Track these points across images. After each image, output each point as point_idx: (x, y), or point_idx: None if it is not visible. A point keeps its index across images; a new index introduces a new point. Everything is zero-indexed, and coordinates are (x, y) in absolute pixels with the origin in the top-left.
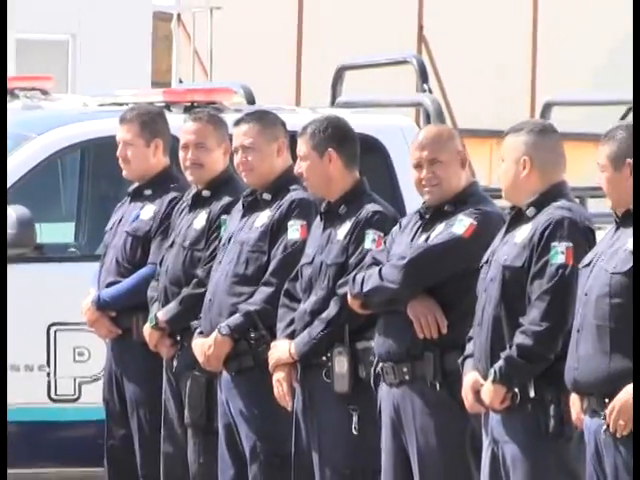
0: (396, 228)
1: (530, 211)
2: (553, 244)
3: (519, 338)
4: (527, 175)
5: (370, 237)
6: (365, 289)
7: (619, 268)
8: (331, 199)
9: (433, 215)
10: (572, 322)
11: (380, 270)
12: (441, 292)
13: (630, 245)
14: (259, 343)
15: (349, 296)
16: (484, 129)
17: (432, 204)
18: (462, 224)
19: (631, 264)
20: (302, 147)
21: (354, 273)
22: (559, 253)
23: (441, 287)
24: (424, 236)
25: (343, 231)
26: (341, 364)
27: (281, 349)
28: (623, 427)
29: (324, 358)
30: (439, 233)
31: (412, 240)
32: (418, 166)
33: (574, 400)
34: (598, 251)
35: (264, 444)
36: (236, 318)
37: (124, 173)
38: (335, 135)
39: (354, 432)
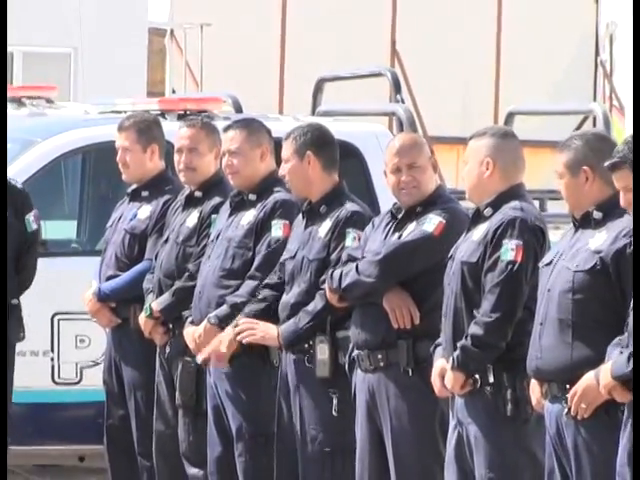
0: (369, 227)
1: (487, 211)
2: (504, 242)
3: (472, 328)
4: (490, 175)
5: (351, 235)
6: (343, 284)
7: (582, 266)
8: (312, 199)
9: (405, 215)
10: (521, 313)
11: (357, 266)
12: (414, 285)
13: (592, 245)
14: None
15: (327, 291)
16: (452, 136)
17: (408, 205)
18: (432, 222)
19: (593, 263)
20: (285, 151)
21: (332, 270)
22: (509, 250)
23: (414, 281)
24: (397, 234)
25: (324, 229)
26: (322, 351)
27: (270, 333)
28: (584, 410)
29: (307, 345)
30: (411, 231)
31: (385, 238)
32: (397, 171)
33: (534, 386)
34: (559, 251)
35: (249, 424)
36: (223, 309)
37: (124, 177)
38: (314, 140)
39: (334, 414)
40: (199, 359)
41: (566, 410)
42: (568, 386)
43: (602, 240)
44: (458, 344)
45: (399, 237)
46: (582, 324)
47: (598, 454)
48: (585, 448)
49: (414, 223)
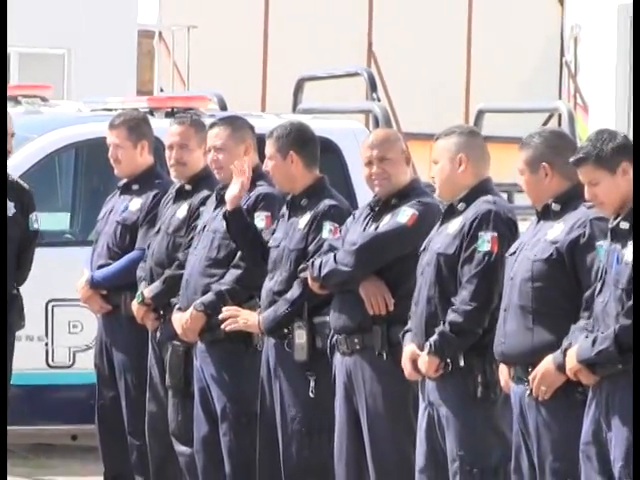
0: (350, 219)
1: (461, 206)
2: (480, 234)
3: (451, 316)
4: (463, 171)
5: (327, 227)
6: (322, 273)
7: (539, 256)
8: (294, 193)
9: (381, 207)
10: (497, 301)
11: (335, 255)
12: (388, 274)
13: (550, 236)
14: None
15: (309, 279)
16: (425, 133)
17: (382, 196)
18: (406, 214)
19: (549, 252)
20: (269, 149)
21: (313, 259)
22: (485, 242)
23: (388, 269)
24: (374, 225)
25: (304, 221)
26: (300, 336)
27: (251, 320)
28: (544, 392)
29: (286, 331)
30: (386, 222)
31: (364, 229)
32: (369, 163)
33: (502, 369)
34: (522, 241)
35: (233, 405)
36: (209, 296)
37: (116, 172)
38: (297, 140)
39: (311, 395)
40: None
41: (528, 391)
42: (530, 369)
43: (559, 231)
44: (436, 330)
45: (376, 228)
46: (541, 310)
47: (557, 433)
48: (545, 427)
49: (390, 215)
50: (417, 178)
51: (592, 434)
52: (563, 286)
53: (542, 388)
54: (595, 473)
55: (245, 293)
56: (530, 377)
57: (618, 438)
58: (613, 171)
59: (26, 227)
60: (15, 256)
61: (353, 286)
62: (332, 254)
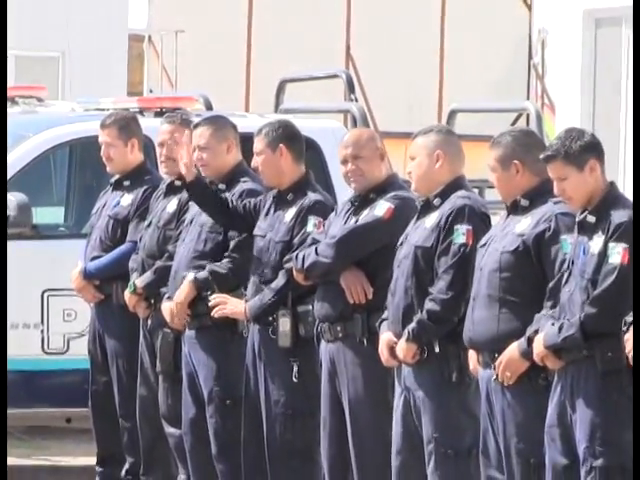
0: (332, 214)
1: (436, 201)
2: (456, 227)
3: (429, 305)
4: (440, 167)
5: (312, 222)
6: (305, 264)
7: (507, 248)
8: (281, 188)
9: (360, 202)
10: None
11: (316, 248)
12: (367, 265)
13: (517, 229)
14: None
15: (294, 271)
16: (399, 131)
17: (360, 191)
18: (382, 207)
19: (516, 245)
20: (258, 145)
21: (297, 252)
22: (461, 234)
23: (367, 261)
24: (354, 219)
25: (289, 215)
26: (284, 324)
27: (238, 308)
28: (509, 378)
29: (270, 318)
30: (365, 216)
31: (345, 223)
32: (345, 161)
33: (471, 355)
34: (492, 234)
35: (219, 389)
36: (204, 273)
37: (108, 169)
38: (286, 134)
39: (294, 380)
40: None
41: (494, 376)
42: (496, 354)
43: (526, 225)
44: (414, 318)
45: (356, 222)
46: (507, 299)
47: (521, 416)
48: (510, 410)
49: (368, 208)
50: (395, 174)
51: (557, 417)
52: (528, 277)
53: (507, 374)
54: (559, 454)
55: (234, 281)
56: (496, 363)
57: (582, 420)
58: (581, 168)
59: None
60: None
61: (334, 277)
62: (314, 247)
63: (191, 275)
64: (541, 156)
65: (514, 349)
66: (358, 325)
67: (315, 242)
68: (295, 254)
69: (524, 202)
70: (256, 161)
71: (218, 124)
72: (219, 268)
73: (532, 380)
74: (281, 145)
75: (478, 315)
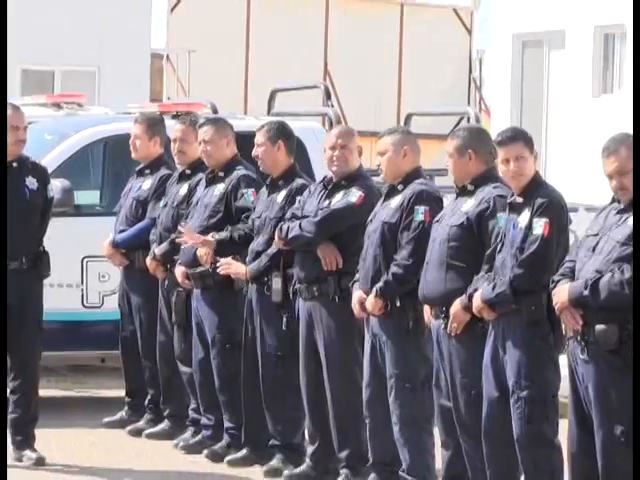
0: (306, 193)
1: (400, 187)
2: (416, 207)
3: (394, 269)
4: (405, 159)
5: (299, 202)
6: (289, 236)
7: (454, 222)
8: (274, 175)
9: (333, 187)
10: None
11: (300, 224)
12: (339, 239)
13: (464, 208)
14: (216, 269)
15: (276, 238)
16: (366, 130)
17: (337, 176)
18: (354, 195)
19: (462, 220)
20: (260, 138)
21: (281, 224)
22: (420, 213)
23: (340, 235)
24: (327, 201)
25: (281, 196)
26: (277, 283)
27: (240, 269)
28: (456, 328)
29: (265, 279)
30: (339, 200)
31: (318, 203)
32: (333, 147)
33: (426, 308)
34: (444, 212)
35: (220, 335)
36: (223, 233)
37: (132, 155)
38: (284, 131)
39: (284, 328)
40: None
41: (443, 325)
42: (444, 308)
43: (471, 204)
44: (382, 279)
45: (329, 204)
46: (454, 264)
47: (464, 356)
48: (455, 352)
49: (341, 193)
50: (362, 165)
51: (491, 358)
52: (470, 246)
53: (454, 325)
54: (493, 387)
55: (238, 248)
56: (443, 315)
57: (511, 360)
58: (531, 153)
59: (45, 196)
60: (40, 218)
61: (312, 248)
62: (298, 222)
63: (213, 235)
64: (505, 136)
65: (458, 304)
66: (331, 286)
67: (294, 216)
68: (280, 225)
69: (470, 187)
70: (257, 151)
71: (219, 123)
72: (236, 231)
73: (472, 328)
74: (280, 140)
75: (430, 277)
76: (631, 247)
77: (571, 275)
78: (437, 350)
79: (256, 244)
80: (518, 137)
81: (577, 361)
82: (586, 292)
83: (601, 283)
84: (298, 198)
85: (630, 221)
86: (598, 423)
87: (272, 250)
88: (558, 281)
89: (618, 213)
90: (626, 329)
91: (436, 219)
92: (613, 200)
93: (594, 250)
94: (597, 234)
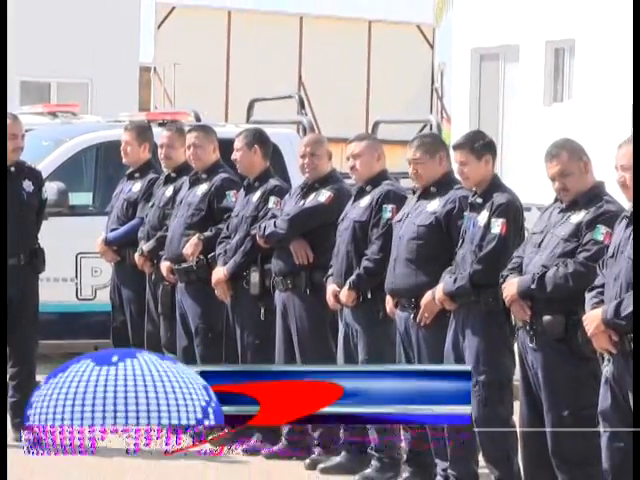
0: (287, 195)
1: (368, 188)
2: (384, 206)
3: (365, 263)
4: (378, 163)
5: (272, 200)
6: (265, 233)
7: (422, 222)
8: (251, 177)
9: (308, 189)
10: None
11: (275, 222)
12: (310, 236)
13: (430, 209)
14: (199, 266)
15: (257, 237)
16: (337, 137)
17: (310, 180)
18: (324, 195)
19: (430, 220)
20: (239, 143)
21: (259, 223)
22: (387, 211)
23: (310, 233)
24: (302, 202)
25: (256, 196)
26: (254, 277)
27: (218, 273)
28: (427, 318)
29: (245, 273)
30: (311, 200)
31: (295, 204)
32: (304, 156)
33: (388, 300)
34: (406, 212)
35: (203, 325)
36: (208, 233)
37: (123, 160)
38: (260, 138)
39: (261, 319)
40: None
41: (412, 316)
42: (413, 300)
43: (436, 205)
44: (355, 272)
45: (303, 204)
46: (421, 260)
47: (431, 343)
48: (423, 340)
49: (313, 194)
50: (334, 169)
51: (452, 344)
52: (439, 243)
53: (425, 315)
54: None
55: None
56: (413, 306)
57: (470, 347)
58: (479, 158)
59: (40, 197)
60: (35, 217)
61: (287, 244)
62: (273, 221)
63: (199, 235)
64: (453, 143)
65: (429, 296)
66: (303, 279)
67: (274, 216)
68: (258, 225)
69: (433, 189)
70: (235, 154)
71: (206, 130)
72: (208, 233)
73: (439, 317)
74: (256, 145)
75: (399, 271)
76: (573, 243)
77: (519, 270)
78: (402, 339)
79: (233, 242)
80: (465, 145)
81: (526, 349)
82: (533, 285)
83: (547, 277)
84: (272, 198)
85: (573, 219)
86: (547, 406)
87: (246, 246)
88: (507, 276)
89: (561, 212)
90: (571, 319)
91: (398, 218)
92: (556, 200)
93: (540, 246)
94: (542, 231)
